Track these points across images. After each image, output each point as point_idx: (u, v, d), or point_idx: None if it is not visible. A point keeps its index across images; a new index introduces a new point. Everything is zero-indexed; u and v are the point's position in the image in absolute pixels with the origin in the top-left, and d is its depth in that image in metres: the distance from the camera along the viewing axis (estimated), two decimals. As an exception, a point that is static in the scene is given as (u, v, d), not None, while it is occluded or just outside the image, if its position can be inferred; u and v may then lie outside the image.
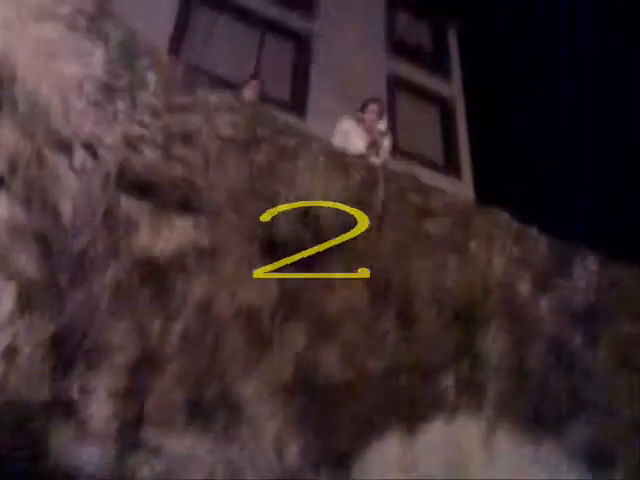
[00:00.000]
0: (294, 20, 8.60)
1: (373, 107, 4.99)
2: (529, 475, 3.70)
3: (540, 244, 4.75)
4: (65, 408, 2.77)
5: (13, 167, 2.78)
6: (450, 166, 9.02)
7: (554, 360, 4.27)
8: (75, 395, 2.81)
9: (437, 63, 9.95)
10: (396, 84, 9.16)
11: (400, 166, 8.30)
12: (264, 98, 5.14)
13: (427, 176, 8.71)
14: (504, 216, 4.65)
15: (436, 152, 9.23)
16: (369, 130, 4.95)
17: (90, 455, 2.76)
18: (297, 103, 8.02)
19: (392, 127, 8.16)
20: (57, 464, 2.68)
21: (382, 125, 5.02)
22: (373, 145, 4.87)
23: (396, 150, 8.32)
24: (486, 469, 3.66)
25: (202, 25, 7.77)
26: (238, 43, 8.00)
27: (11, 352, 2.68)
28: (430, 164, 8.62)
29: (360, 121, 5.07)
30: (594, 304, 4.72)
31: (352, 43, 8.68)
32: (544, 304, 4.50)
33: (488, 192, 8.34)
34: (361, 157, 4.55)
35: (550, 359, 4.26)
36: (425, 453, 3.51)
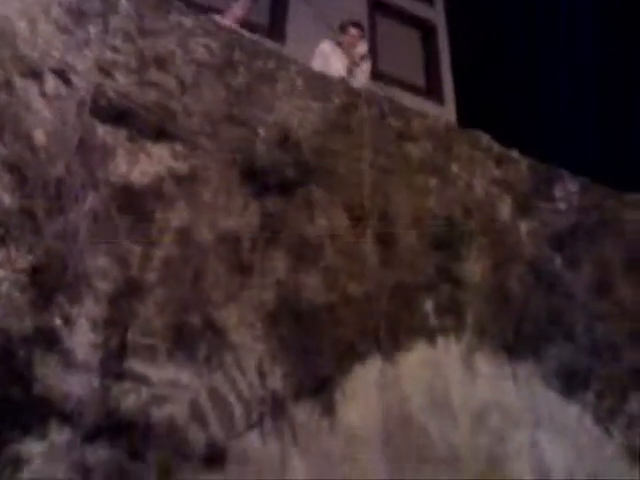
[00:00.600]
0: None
1: (352, 30, 4.94)
2: (507, 395, 3.88)
3: (521, 166, 4.84)
4: (48, 339, 2.85)
5: (-18, 94, 2.76)
6: (432, 90, 9.00)
7: (534, 282, 4.42)
8: (58, 325, 2.87)
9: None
10: (376, 7, 9.02)
11: (381, 90, 8.27)
12: (244, 24, 5.06)
13: (408, 100, 8.72)
14: (485, 138, 4.71)
15: (418, 76, 9.19)
16: (348, 53, 4.92)
17: (75, 385, 2.86)
18: (276, 28, 7.90)
19: (373, 51, 8.08)
20: (43, 394, 2.77)
21: (362, 48, 4.98)
22: (352, 68, 4.84)
23: (377, 74, 8.25)
24: (466, 389, 3.84)
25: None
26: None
27: (-9, 284, 2.72)
28: (412, 88, 8.59)
29: (339, 44, 5.02)
30: (575, 226, 4.85)
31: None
32: (524, 226, 4.62)
33: (470, 117, 8.36)
34: (341, 80, 4.53)
35: (530, 281, 4.40)
36: (406, 376, 3.67)
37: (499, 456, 3.67)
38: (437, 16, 10.06)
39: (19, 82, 2.99)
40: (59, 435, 2.78)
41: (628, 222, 5.13)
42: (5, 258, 2.82)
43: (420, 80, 9.29)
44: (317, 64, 4.86)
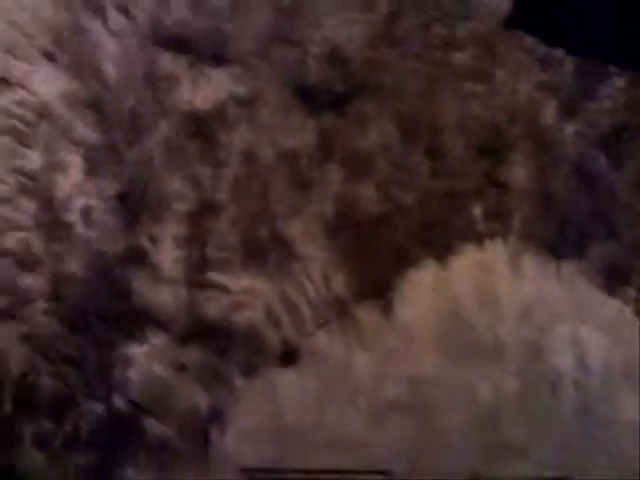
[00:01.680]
0: None
1: None
2: (552, 292, 4.52)
3: (566, 67, 5.26)
4: (139, 256, 3.51)
5: (58, 39, 3.29)
6: None
7: (578, 183, 4.96)
8: (145, 244, 3.52)
9: None
10: None
11: None
12: None
13: None
14: (529, 40, 5.12)
15: None
16: None
17: (165, 295, 3.53)
18: None
19: None
20: (139, 305, 3.46)
21: None
22: None
23: None
24: (512, 288, 4.47)
25: None
26: None
27: (87, 212, 3.36)
28: None
29: None
30: (620, 124, 5.32)
31: None
32: (569, 128, 5.11)
33: None
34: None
35: (574, 183, 4.94)
36: (457, 277, 4.30)
37: (542, 349, 4.33)
38: None
39: (86, 22, 3.50)
40: (156, 339, 3.47)
41: (674, 117, 5.57)
42: (94, 188, 3.44)
43: None
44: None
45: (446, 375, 4.04)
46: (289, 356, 3.73)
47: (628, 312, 4.83)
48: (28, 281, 3.07)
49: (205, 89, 3.86)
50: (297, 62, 4.19)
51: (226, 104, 3.89)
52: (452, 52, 4.73)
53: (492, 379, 4.15)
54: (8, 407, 2.94)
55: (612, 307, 4.80)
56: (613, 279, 4.90)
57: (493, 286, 4.45)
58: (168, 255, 3.57)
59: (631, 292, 4.92)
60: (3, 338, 3.01)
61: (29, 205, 3.16)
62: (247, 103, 3.94)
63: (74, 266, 3.30)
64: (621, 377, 4.67)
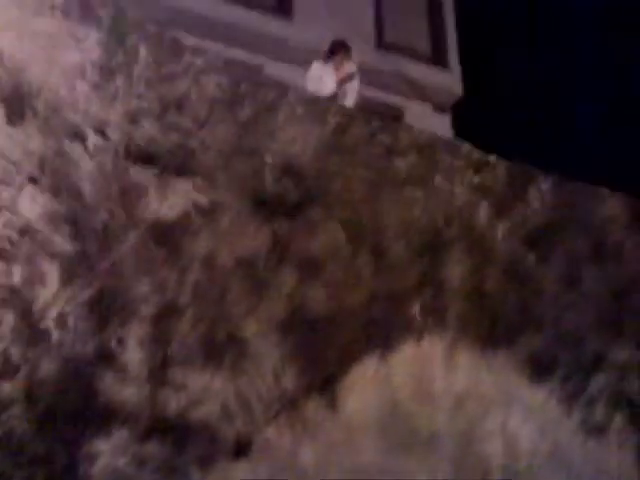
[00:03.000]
0: None
1: (341, 50, 5.96)
2: (483, 383, 5.07)
3: (498, 170, 5.92)
4: (107, 357, 3.93)
5: (41, 165, 3.76)
6: (437, 57, 9.90)
7: (508, 280, 5.57)
8: (113, 345, 3.95)
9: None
10: None
11: (386, 61, 9.25)
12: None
13: (414, 69, 9.69)
14: (466, 147, 5.77)
15: (424, 44, 10.07)
16: (337, 71, 5.93)
17: (129, 393, 3.95)
18: (283, 7, 8.75)
19: (379, 21, 9.03)
20: (105, 403, 3.87)
21: (350, 66, 5.99)
22: (342, 84, 5.87)
23: (383, 44, 9.23)
24: (447, 379, 5.01)
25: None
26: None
27: (61, 318, 3.79)
28: (417, 56, 9.52)
29: (329, 64, 6.03)
30: (547, 224, 5.98)
31: None
32: (501, 228, 5.73)
33: (476, 81, 9.25)
34: (333, 98, 5.55)
35: (505, 279, 5.55)
36: (396, 371, 4.82)
37: (474, 438, 4.86)
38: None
39: (68, 146, 3.97)
40: (120, 435, 3.88)
41: (597, 216, 6.25)
42: (70, 295, 3.87)
43: (426, 48, 10.17)
44: (311, 86, 5.86)
45: (386, 464, 4.52)
46: (242, 449, 4.17)
47: (553, 399, 5.41)
48: (5, 389, 3.46)
49: (170, 199, 4.32)
50: (254, 173, 4.70)
51: (189, 213, 4.36)
52: (394, 159, 5.30)
53: (429, 468, 4.65)
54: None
55: (539, 395, 5.37)
56: (540, 369, 5.48)
57: (429, 378, 4.99)
58: (133, 355, 4.00)
59: (555, 381, 5.51)
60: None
61: (9, 317, 3.57)
62: (208, 212, 4.42)
63: (48, 370, 3.71)
64: (547, 460, 5.22)
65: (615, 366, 5.77)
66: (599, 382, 5.73)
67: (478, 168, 5.84)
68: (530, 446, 5.24)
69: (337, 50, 6.21)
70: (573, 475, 5.19)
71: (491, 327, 5.42)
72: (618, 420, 5.64)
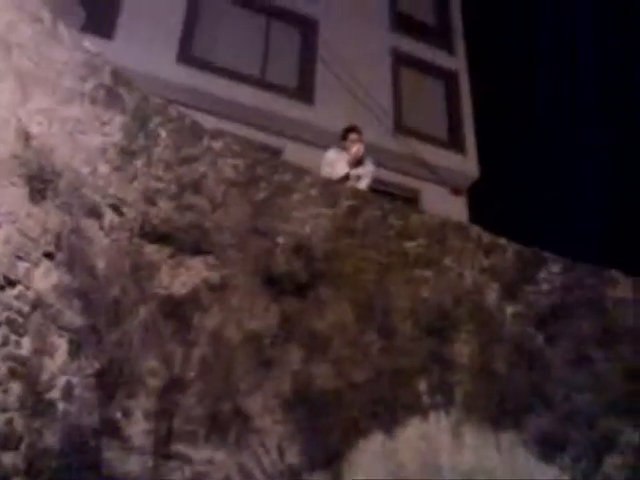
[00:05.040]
0: (299, 5, 9.30)
1: (352, 135, 5.96)
2: (491, 461, 4.79)
3: (508, 253, 5.76)
4: (112, 428, 3.80)
5: (58, 241, 3.72)
6: (454, 141, 9.86)
7: (517, 360, 5.33)
8: (119, 417, 3.83)
9: (441, 37, 10.64)
10: (400, 60, 9.92)
11: (404, 144, 9.27)
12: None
13: (431, 152, 9.67)
14: (475, 230, 5.63)
15: (440, 127, 10.06)
16: (350, 154, 5.93)
17: (133, 464, 3.80)
18: (305, 91, 8.86)
19: (397, 104, 9.07)
20: (109, 473, 3.72)
21: (361, 149, 6.00)
22: (354, 166, 5.86)
23: (400, 127, 9.25)
24: (454, 457, 4.75)
25: (209, 18, 8.54)
26: (245, 31, 8.77)
27: (68, 389, 3.69)
28: (433, 140, 9.49)
29: (343, 149, 6.04)
30: (556, 305, 5.75)
31: (356, 22, 9.41)
32: (510, 309, 5.53)
33: (493, 166, 9.17)
34: (346, 180, 5.50)
35: (513, 359, 5.31)
36: (403, 447, 4.59)
37: (481, 518, 4.57)
38: (459, 64, 10.89)
39: (84, 223, 3.95)
40: (121, 507, 3.71)
41: (607, 298, 6.01)
42: (77, 367, 3.77)
43: (442, 131, 10.16)
44: (326, 171, 5.84)
45: None
46: (243, 524, 3.96)
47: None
48: (7, 459, 3.35)
49: (182, 276, 4.26)
50: (266, 252, 4.63)
51: (200, 289, 4.28)
52: (405, 241, 5.19)
53: None
54: None
55: (548, 475, 5.05)
56: (550, 448, 5.18)
57: (436, 455, 4.72)
58: (138, 427, 3.86)
59: (567, 460, 5.19)
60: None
61: (16, 387, 3.48)
62: (219, 289, 4.34)
63: (51, 440, 3.59)
64: None
65: (631, 446, 5.44)
66: (614, 462, 5.39)
67: (488, 251, 5.69)
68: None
69: (349, 135, 6.22)
70: None
71: (499, 405, 5.16)
72: (632, 504, 5.27)
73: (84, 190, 4.04)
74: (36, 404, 3.57)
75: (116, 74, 4.28)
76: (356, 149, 6.00)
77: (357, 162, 6.06)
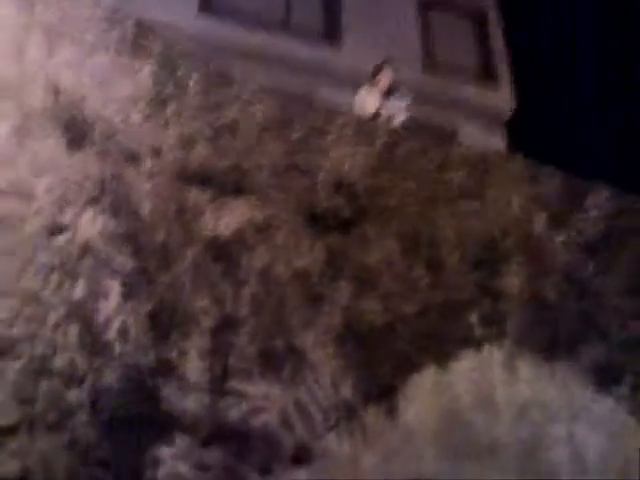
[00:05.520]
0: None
1: (383, 71, 5.91)
2: (545, 392, 4.77)
3: (554, 182, 5.66)
4: (168, 367, 3.87)
5: (100, 188, 3.77)
6: (487, 76, 9.67)
7: (568, 289, 5.27)
8: (174, 356, 3.89)
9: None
10: (426, 3, 9.73)
11: (436, 81, 9.13)
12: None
13: (464, 88, 9.51)
14: (518, 160, 5.55)
15: (472, 63, 9.86)
16: (381, 89, 5.88)
17: (190, 402, 3.88)
18: (331, 33, 8.74)
19: (427, 45, 8.92)
20: (168, 411, 3.80)
21: (390, 83, 5.93)
22: (385, 101, 5.82)
23: (433, 66, 9.10)
24: (508, 389, 4.74)
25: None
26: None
27: (124, 331, 3.76)
28: (466, 76, 9.32)
29: (374, 86, 5.98)
30: (605, 233, 5.66)
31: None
32: (559, 238, 5.45)
33: (529, 98, 8.96)
34: (378, 117, 5.46)
35: (564, 288, 5.25)
36: (456, 380, 4.60)
37: (539, 445, 4.56)
38: (488, 2, 10.64)
39: (124, 169, 3.98)
40: (182, 442, 3.79)
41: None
42: (132, 309, 3.84)
43: (474, 66, 9.96)
44: (358, 109, 5.80)
45: (445, 472, 4.29)
46: (301, 457, 4.02)
47: (621, 410, 5.04)
48: (72, 396, 3.45)
49: (226, 217, 4.28)
50: (307, 190, 4.62)
51: (245, 230, 4.30)
52: (447, 173, 5.14)
53: (490, 475, 4.38)
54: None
55: (605, 405, 5.01)
56: (605, 378, 5.13)
57: (490, 388, 4.72)
58: (194, 366, 3.93)
59: (624, 390, 5.14)
60: (51, 448, 3.36)
61: (75, 329, 3.57)
62: (263, 229, 4.36)
63: (111, 379, 3.68)
64: (618, 474, 4.84)
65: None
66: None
67: (533, 180, 5.60)
68: (599, 458, 4.88)
69: (379, 72, 6.18)
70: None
71: (552, 336, 5.12)
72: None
73: (120, 138, 4.07)
74: (94, 345, 3.66)
75: (140, 25, 4.28)
76: (384, 82, 5.95)
77: (387, 95, 6.02)
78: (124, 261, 3.82)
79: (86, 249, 3.71)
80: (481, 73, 9.73)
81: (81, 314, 3.64)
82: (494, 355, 4.83)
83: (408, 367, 4.55)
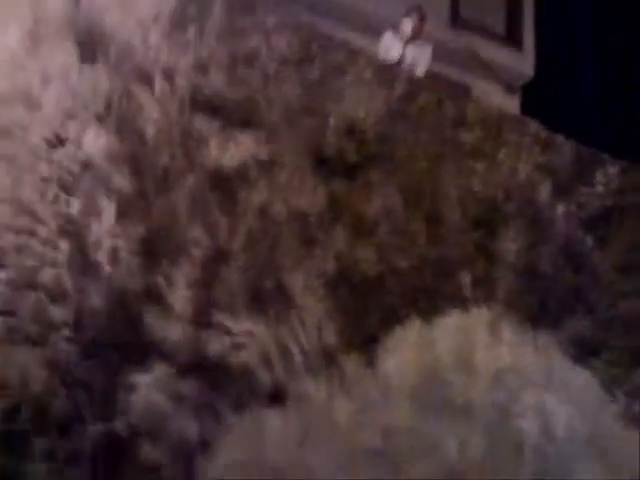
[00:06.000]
0: None
1: (414, 15, 5.71)
2: (525, 359, 4.77)
3: (565, 151, 5.54)
4: (155, 295, 3.83)
5: (108, 106, 3.65)
6: (512, 37, 9.43)
7: (564, 261, 5.22)
8: (161, 284, 3.84)
9: None
10: None
11: (459, 37, 8.87)
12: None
13: (487, 47, 9.24)
14: (534, 125, 5.41)
15: (498, 22, 9.60)
16: (407, 38, 5.69)
17: (173, 330, 3.85)
18: None
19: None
20: (149, 337, 3.77)
21: (419, 30, 5.74)
22: (407, 45, 5.65)
23: (458, 21, 8.84)
24: (489, 352, 4.73)
25: None
26: None
27: (114, 253, 3.70)
28: (491, 35, 9.09)
29: (400, 31, 5.78)
30: (609, 208, 5.57)
31: None
32: (561, 208, 5.36)
33: (549, 66, 8.74)
34: (401, 63, 5.28)
35: (560, 261, 5.20)
36: (440, 337, 4.58)
37: (510, 412, 4.57)
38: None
39: (135, 88, 3.85)
40: (159, 370, 3.78)
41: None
42: (124, 232, 3.77)
43: (500, 27, 9.70)
44: (382, 54, 5.61)
45: (418, 427, 4.30)
46: (277, 396, 4.02)
47: (595, 383, 5.06)
48: (56, 312, 3.40)
49: (231, 150, 4.17)
50: (317, 132, 4.50)
51: (248, 165, 4.20)
52: (460, 131, 5.01)
53: (461, 436, 4.40)
54: (25, 423, 3.26)
55: (580, 377, 5.03)
56: (585, 351, 5.13)
57: (472, 349, 4.71)
58: (180, 295, 3.88)
59: (600, 364, 5.15)
60: (29, 362, 3.34)
61: (65, 245, 3.50)
62: (267, 165, 4.25)
63: (97, 300, 3.63)
64: (583, 446, 4.89)
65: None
66: (645, 373, 5.34)
67: (545, 147, 5.47)
68: (567, 429, 4.92)
69: (411, 15, 5.98)
70: (609, 465, 4.85)
71: (540, 305, 5.09)
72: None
73: (135, 56, 3.92)
74: (83, 264, 3.59)
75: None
76: (411, 29, 5.76)
77: (411, 42, 5.83)
78: (123, 182, 3.72)
79: (86, 165, 3.61)
80: (506, 34, 9.44)
81: (73, 231, 3.56)
82: (480, 317, 4.80)
83: (393, 319, 4.53)
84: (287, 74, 4.46)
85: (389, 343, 4.48)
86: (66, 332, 3.51)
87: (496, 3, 9.86)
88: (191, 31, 4.17)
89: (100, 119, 3.66)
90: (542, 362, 4.88)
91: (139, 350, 3.78)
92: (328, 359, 4.27)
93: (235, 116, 4.25)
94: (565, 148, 5.55)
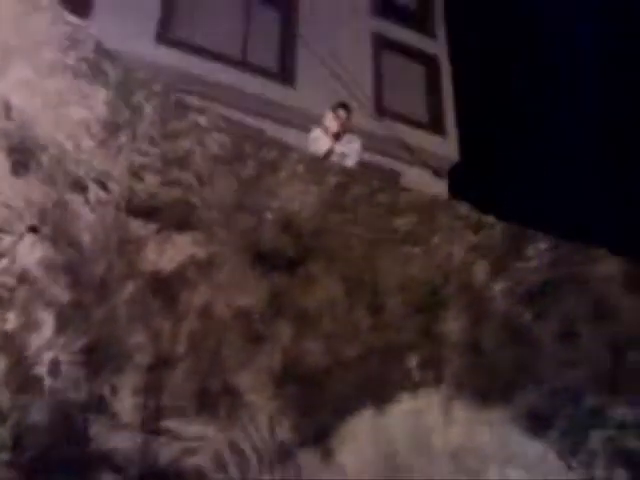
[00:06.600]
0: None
1: (339, 112, 5.90)
2: (481, 437, 4.72)
3: (496, 230, 5.67)
4: (100, 404, 3.69)
5: (42, 216, 3.61)
6: (435, 123, 9.82)
7: (506, 336, 5.26)
8: (106, 393, 3.71)
9: (423, 22, 10.59)
10: (381, 44, 9.87)
11: (384, 126, 9.21)
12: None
13: (412, 135, 9.61)
14: (464, 207, 5.55)
15: (421, 110, 10.01)
16: (335, 133, 5.86)
17: (121, 441, 3.69)
18: (286, 73, 8.76)
19: (378, 88, 9.01)
20: (97, 450, 3.61)
21: (351, 142, 5.94)
22: (336, 141, 5.81)
23: (382, 110, 9.19)
24: (444, 433, 4.67)
25: (188, 3, 8.41)
26: (225, 15, 8.63)
27: (55, 364, 3.57)
28: (415, 123, 9.45)
29: (327, 126, 5.97)
30: (544, 282, 5.68)
31: (337, 5, 9.32)
32: (498, 286, 5.45)
33: (473, 148, 9.11)
34: (329, 156, 5.42)
35: (502, 336, 5.24)
36: (393, 423, 4.50)
37: (472, 493, 4.49)
38: (440, 50, 10.85)
39: (69, 196, 3.83)
40: (110, 484, 3.60)
41: (594, 275, 5.96)
42: (64, 343, 3.66)
43: (423, 115, 10.12)
44: (311, 149, 5.76)
45: (379, 518, 4.17)
46: (234, 499, 3.86)
47: (552, 454, 5.02)
48: (-7, 435, 3.24)
49: (169, 252, 4.14)
50: (254, 229, 4.52)
51: (187, 266, 4.17)
52: (394, 218, 5.10)
53: (423, 522, 4.28)
54: None
55: (537, 449, 4.99)
56: (537, 424, 5.12)
57: (427, 432, 4.64)
58: (126, 403, 3.75)
59: (554, 435, 5.13)
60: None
61: (2, 362, 3.36)
62: (206, 265, 4.23)
63: (38, 416, 3.47)
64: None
65: (615, 422, 5.38)
66: (599, 437, 5.34)
67: (476, 228, 5.61)
68: (531, 501, 4.84)
69: (337, 111, 6.18)
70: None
71: (488, 382, 5.09)
72: (619, 476, 5.21)
73: (68, 164, 3.92)
74: (22, 380, 3.45)
75: (100, 47, 4.16)
76: (337, 124, 5.95)
77: (336, 136, 6.02)
78: (60, 292, 3.64)
79: (22, 278, 3.52)
80: (429, 121, 9.87)
81: (11, 347, 3.44)
82: (431, 399, 4.76)
83: (346, 410, 4.45)
84: (221, 173, 4.51)
85: (343, 434, 4.39)
86: (4, 455, 3.32)
87: (417, 92, 10.31)
88: (123, 136, 4.20)
89: (34, 230, 3.61)
90: (498, 438, 4.84)
91: (86, 465, 3.61)
92: (283, 455, 4.15)
93: (171, 218, 4.26)
94: (496, 227, 5.70)
